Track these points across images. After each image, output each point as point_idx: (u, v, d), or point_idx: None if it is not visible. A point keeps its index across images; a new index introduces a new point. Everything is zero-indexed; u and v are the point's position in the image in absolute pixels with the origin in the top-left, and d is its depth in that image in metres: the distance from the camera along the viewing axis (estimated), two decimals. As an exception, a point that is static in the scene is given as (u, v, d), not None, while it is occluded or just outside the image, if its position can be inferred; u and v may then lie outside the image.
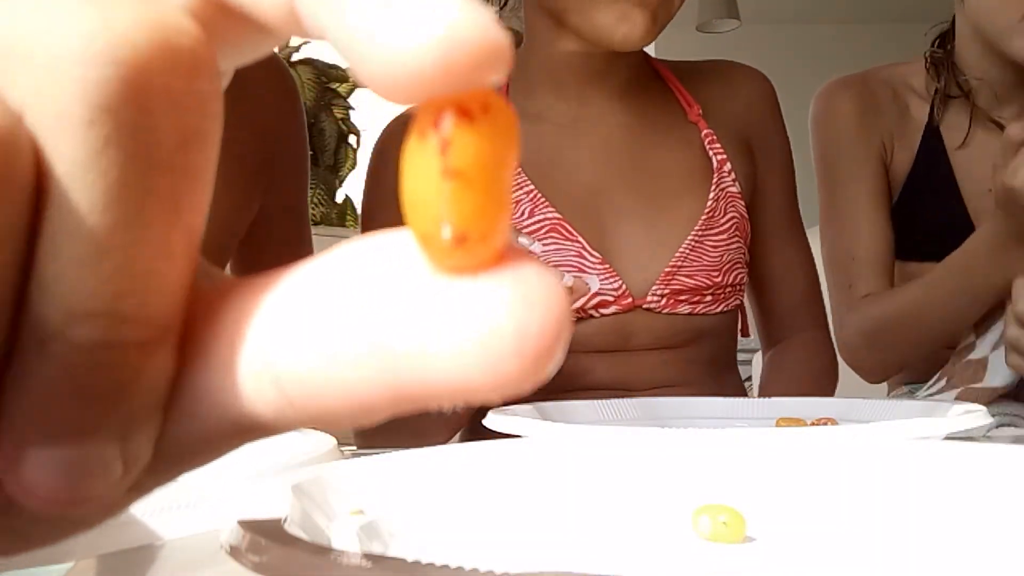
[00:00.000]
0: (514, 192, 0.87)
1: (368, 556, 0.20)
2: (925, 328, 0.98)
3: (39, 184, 0.12)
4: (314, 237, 1.00)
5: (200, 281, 0.14)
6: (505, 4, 0.98)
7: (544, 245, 0.85)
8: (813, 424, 0.61)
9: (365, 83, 0.11)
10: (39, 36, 0.11)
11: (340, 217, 3.33)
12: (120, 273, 0.12)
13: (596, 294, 0.85)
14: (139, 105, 0.11)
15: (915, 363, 1.05)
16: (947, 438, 0.47)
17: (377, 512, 0.32)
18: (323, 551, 0.21)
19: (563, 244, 0.85)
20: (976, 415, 0.51)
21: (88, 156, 0.11)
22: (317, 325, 0.12)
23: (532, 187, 0.87)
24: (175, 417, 0.13)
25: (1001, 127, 1.10)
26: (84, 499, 0.12)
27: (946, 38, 1.11)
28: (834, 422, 0.61)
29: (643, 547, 0.34)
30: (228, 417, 0.13)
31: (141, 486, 0.14)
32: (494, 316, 0.11)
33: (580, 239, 0.85)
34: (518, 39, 0.97)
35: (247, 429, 0.13)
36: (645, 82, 0.94)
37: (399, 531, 0.32)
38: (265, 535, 0.23)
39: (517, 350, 0.11)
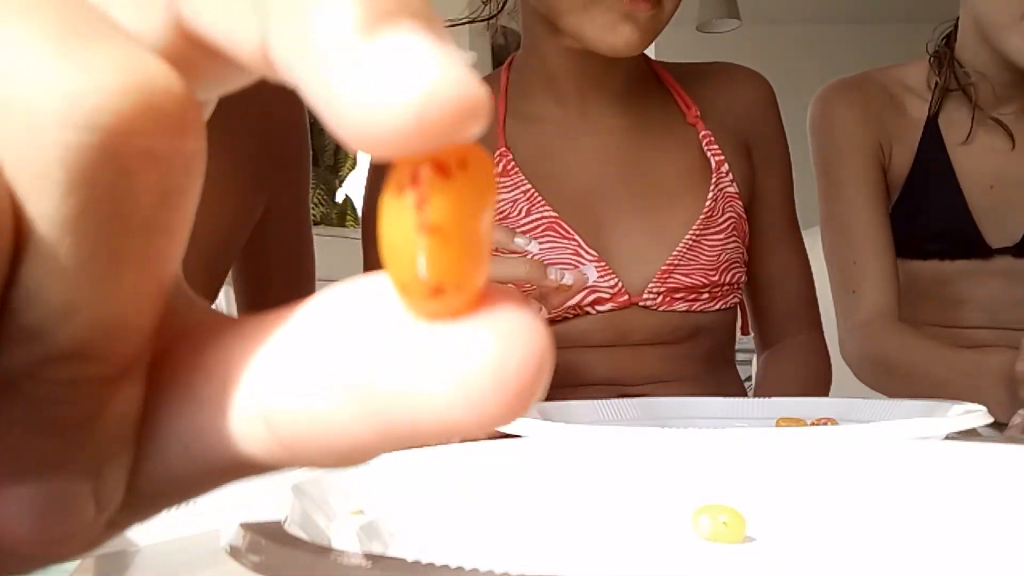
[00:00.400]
0: (511, 191, 0.88)
1: (368, 556, 0.20)
2: (929, 389, 0.97)
3: (17, 236, 0.11)
4: (315, 237, 1.00)
5: (185, 316, 0.14)
6: (503, 7, 0.98)
7: (540, 243, 0.85)
8: (813, 424, 0.61)
9: (341, 139, 0.11)
10: (19, 91, 0.11)
11: (340, 217, 3.33)
12: (91, 324, 0.12)
13: (592, 290, 0.85)
14: (120, 169, 0.11)
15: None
16: (947, 438, 0.47)
17: (377, 512, 0.32)
18: (323, 551, 0.21)
19: (559, 242, 0.86)
20: (976, 415, 0.51)
21: (66, 219, 0.11)
22: (305, 368, 0.12)
23: (529, 186, 0.88)
24: (156, 455, 0.13)
25: (1001, 124, 1.09)
26: (58, 538, 0.13)
27: (952, 35, 1.11)
28: (834, 422, 0.61)
29: (643, 547, 0.34)
30: (217, 456, 0.13)
31: (117, 523, 0.14)
32: (472, 357, 0.11)
33: (576, 237, 0.86)
34: (516, 41, 0.98)
35: (235, 468, 0.13)
36: (643, 84, 0.95)
37: (399, 531, 0.32)
38: (265, 535, 0.23)
39: (497, 388, 0.11)
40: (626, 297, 0.86)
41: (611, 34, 0.80)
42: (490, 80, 0.96)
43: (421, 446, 0.12)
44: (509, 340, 0.12)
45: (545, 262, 0.69)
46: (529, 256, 0.69)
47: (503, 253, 0.70)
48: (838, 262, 1.11)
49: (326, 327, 0.12)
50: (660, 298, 0.87)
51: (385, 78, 0.11)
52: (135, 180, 0.11)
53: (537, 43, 0.91)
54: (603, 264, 0.86)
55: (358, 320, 0.12)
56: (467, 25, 0.99)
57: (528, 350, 0.12)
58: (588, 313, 0.87)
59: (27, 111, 0.11)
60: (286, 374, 0.12)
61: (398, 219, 0.11)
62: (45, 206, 0.11)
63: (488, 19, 0.98)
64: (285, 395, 0.12)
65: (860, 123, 1.10)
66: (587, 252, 0.86)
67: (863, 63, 1.24)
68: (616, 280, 0.86)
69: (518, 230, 0.69)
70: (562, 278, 0.67)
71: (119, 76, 0.11)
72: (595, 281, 0.85)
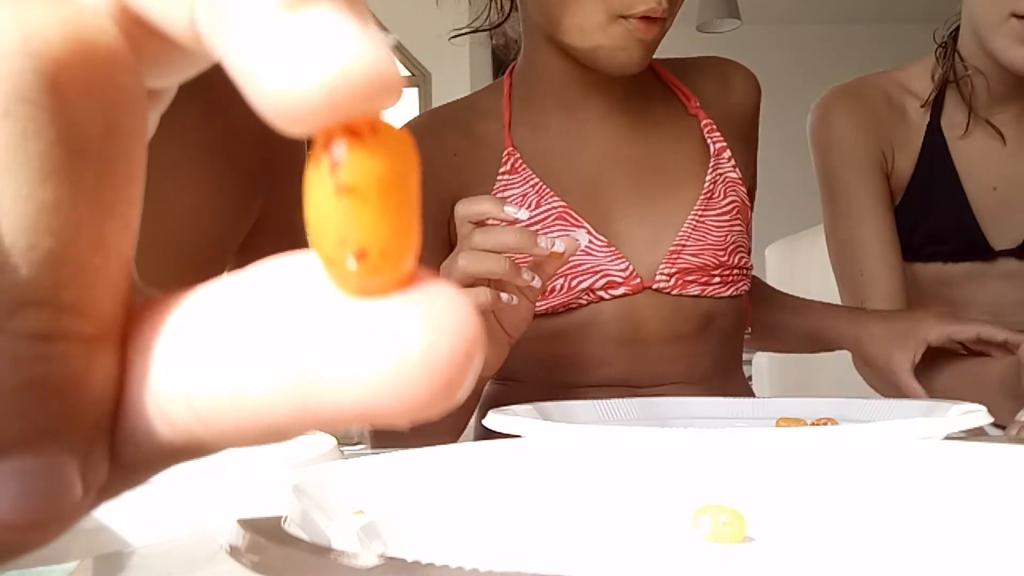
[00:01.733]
0: (520, 186, 0.90)
1: (368, 556, 0.20)
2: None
3: None
4: (308, 242, 1.00)
5: (135, 297, 0.14)
6: (507, 18, 0.99)
7: (551, 231, 0.87)
8: (813, 424, 0.61)
9: (259, 111, 0.11)
10: None
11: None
12: (55, 261, 0.12)
13: (605, 274, 0.87)
14: (57, 95, 0.12)
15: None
16: (955, 438, 0.47)
17: (377, 512, 0.32)
18: (323, 551, 0.21)
19: (569, 230, 0.88)
20: (976, 415, 0.51)
21: (10, 144, 0.12)
22: (228, 347, 0.12)
23: (537, 180, 0.90)
24: (122, 435, 0.13)
25: (993, 127, 1.09)
26: (43, 521, 0.12)
27: (959, 27, 1.11)
28: (834, 422, 0.61)
29: (643, 547, 0.34)
30: (146, 436, 0.13)
31: (83, 507, 0.14)
32: (401, 340, 0.11)
33: (586, 224, 0.88)
34: (516, 42, 0.99)
35: (169, 450, 0.13)
36: (644, 84, 0.96)
37: (399, 531, 0.32)
38: (265, 535, 0.23)
39: (426, 375, 0.11)
40: (639, 280, 0.88)
41: (622, 54, 0.84)
42: (494, 88, 0.98)
43: (340, 428, 0.12)
44: (439, 323, 0.11)
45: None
46: (519, 224, 0.69)
47: (494, 223, 0.70)
48: (846, 274, 1.11)
49: (250, 304, 0.12)
50: (672, 280, 0.89)
51: (299, 54, 0.11)
52: (73, 107, 0.12)
53: (539, 53, 0.93)
54: (613, 249, 0.88)
55: (284, 296, 0.12)
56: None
57: (459, 336, 0.11)
58: (602, 299, 0.88)
59: None
60: (207, 354, 0.12)
61: (318, 189, 0.12)
62: None
63: (490, 29, 1.00)
64: (206, 376, 0.12)
65: (861, 132, 1.10)
66: (597, 237, 0.88)
67: (862, 63, 1.24)
68: (627, 264, 0.88)
69: (527, 220, 0.69)
70: (552, 245, 0.68)
71: (49, 13, 0.12)
72: (607, 266, 0.87)
